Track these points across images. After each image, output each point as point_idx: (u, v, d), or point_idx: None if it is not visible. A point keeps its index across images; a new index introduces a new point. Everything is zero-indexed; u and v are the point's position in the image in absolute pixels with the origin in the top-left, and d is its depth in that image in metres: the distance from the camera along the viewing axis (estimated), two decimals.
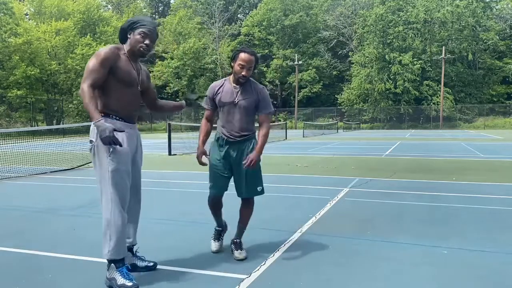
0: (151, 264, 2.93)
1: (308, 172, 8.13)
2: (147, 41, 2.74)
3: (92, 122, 2.56)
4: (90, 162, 9.64)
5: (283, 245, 3.39)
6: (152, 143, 20.20)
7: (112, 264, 2.63)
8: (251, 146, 3.18)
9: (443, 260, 3.08)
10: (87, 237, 3.75)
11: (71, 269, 2.95)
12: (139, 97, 2.95)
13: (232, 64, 3.16)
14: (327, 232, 3.73)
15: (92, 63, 2.62)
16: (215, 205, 3.29)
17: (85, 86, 2.56)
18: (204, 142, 3.33)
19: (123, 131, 2.71)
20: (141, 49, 2.74)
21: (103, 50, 2.66)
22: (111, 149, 2.61)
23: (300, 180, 7.18)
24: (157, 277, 2.71)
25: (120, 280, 2.57)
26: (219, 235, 3.37)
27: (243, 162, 3.07)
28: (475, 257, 3.16)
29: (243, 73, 3.06)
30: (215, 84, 3.28)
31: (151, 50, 2.80)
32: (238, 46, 51.71)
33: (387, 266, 2.97)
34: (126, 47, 2.78)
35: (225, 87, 3.20)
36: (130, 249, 2.89)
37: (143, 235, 3.82)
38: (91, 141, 2.70)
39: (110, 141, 2.51)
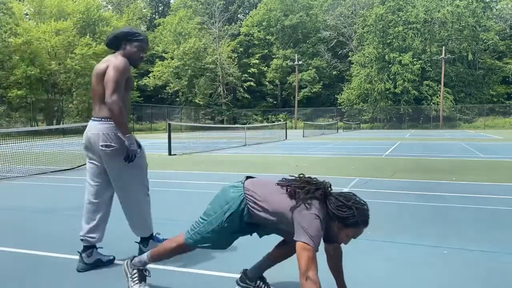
0: (112, 257, 3.06)
1: (308, 172, 8.11)
2: (142, 54, 3.03)
3: (124, 135, 2.86)
4: None
5: None
6: (152, 143, 20.20)
7: (151, 240, 3.13)
8: None
9: (443, 260, 3.08)
10: None
11: (71, 269, 2.95)
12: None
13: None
14: None
15: (117, 75, 2.83)
16: None
17: (117, 97, 2.81)
18: None
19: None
20: (138, 61, 3.01)
21: (123, 62, 2.88)
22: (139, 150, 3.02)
23: None
24: (157, 277, 2.71)
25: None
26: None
27: None
28: (475, 257, 3.16)
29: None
30: None
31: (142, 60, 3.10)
32: (238, 46, 51.92)
33: (387, 266, 2.97)
34: (122, 53, 2.96)
35: None
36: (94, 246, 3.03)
37: None
38: (111, 146, 2.89)
39: (132, 158, 2.91)
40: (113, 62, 2.87)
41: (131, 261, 2.61)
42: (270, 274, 2.85)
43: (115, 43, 2.97)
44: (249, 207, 2.27)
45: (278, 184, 2.32)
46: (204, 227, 2.36)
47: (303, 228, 2.06)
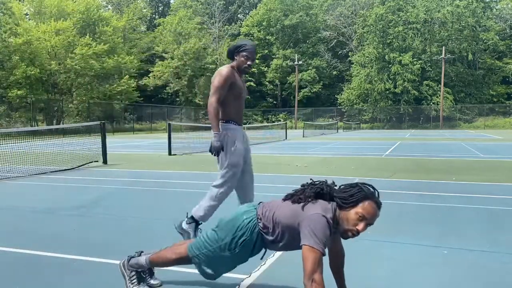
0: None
1: (308, 172, 8.13)
2: (249, 62, 3.44)
3: (213, 131, 3.33)
4: (90, 162, 9.67)
5: None
6: (152, 143, 20.21)
7: (194, 223, 3.40)
8: None
9: (443, 260, 3.08)
10: (87, 237, 3.75)
11: (71, 269, 2.95)
12: (244, 105, 3.64)
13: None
14: None
15: (218, 81, 3.33)
16: None
17: (214, 100, 3.32)
18: None
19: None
20: (246, 68, 3.45)
21: (225, 70, 3.36)
22: (232, 148, 3.38)
23: (300, 180, 7.15)
24: (158, 277, 2.71)
25: (192, 234, 3.36)
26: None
27: None
28: (475, 257, 3.16)
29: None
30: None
31: (252, 67, 3.53)
32: None
33: (387, 266, 2.97)
34: (234, 64, 3.46)
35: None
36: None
37: (143, 235, 3.83)
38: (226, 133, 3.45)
39: (216, 152, 3.34)
40: (219, 70, 3.41)
41: (128, 262, 2.60)
42: (274, 275, 2.85)
43: (230, 55, 3.48)
44: (262, 233, 2.25)
45: (284, 200, 2.30)
46: (213, 251, 2.32)
47: (309, 231, 2.03)
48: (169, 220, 4.38)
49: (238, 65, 3.44)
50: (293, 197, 2.24)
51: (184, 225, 3.44)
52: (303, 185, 2.30)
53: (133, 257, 2.62)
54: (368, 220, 2.10)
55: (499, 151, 13.25)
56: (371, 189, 2.15)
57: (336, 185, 2.26)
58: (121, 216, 4.53)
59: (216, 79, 3.34)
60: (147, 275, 2.62)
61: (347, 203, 2.10)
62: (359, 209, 2.09)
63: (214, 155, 3.38)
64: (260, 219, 2.27)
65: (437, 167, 8.87)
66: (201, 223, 3.48)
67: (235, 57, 3.46)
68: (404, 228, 3.94)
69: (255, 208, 2.33)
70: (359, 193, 2.09)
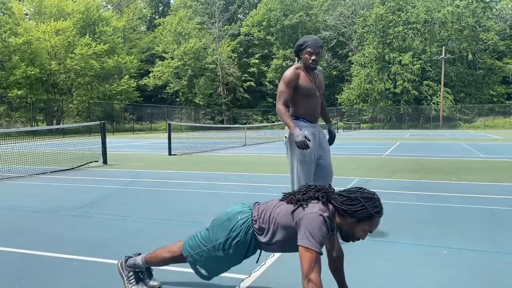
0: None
1: None
2: (313, 57, 3.49)
3: (290, 130, 3.47)
4: (90, 162, 9.67)
5: None
6: (152, 143, 20.21)
7: None
8: None
9: (443, 260, 3.08)
10: (87, 237, 3.75)
11: (71, 269, 2.95)
12: (318, 101, 3.67)
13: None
14: None
15: (281, 86, 3.53)
16: None
17: (279, 106, 3.54)
18: None
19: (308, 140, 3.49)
20: (311, 65, 3.51)
21: (287, 73, 3.52)
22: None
23: None
24: (156, 277, 2.71)
25: None
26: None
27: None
28: (475, 257, 3.16)
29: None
30: None
31: (318, 62, 3.56)
32: (238, 46, 51.93)
33: (387, 266, 2.97)
34: (298, 65, 3.57)
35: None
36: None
37: (142, 235, 3.82)
38: (285, 137, 3.64)
39: (303, 146, 3.39)
40: (284, 74, 3.55)
41: (125, 262, 2.60)
42: (274, 276, 2.86)
43: (297, 55, 3.58)
44: (256, 234, 2.23)
45: (281, 200, 2.28)
46: (207, 251, 2.30)
47: (305, 231, 2.00)
48: (169, 220, 4.38)
49: (304, 63, 3.52)
50: (290, 197, 2.22)
51: None
52: (300, 188, 2.29)
53: (130, 257, 2.62)
54: (371, 231, 2.12)
55: (499, 151, 13.25)
56: (375, 198, 2.08)
57: (333, 190, 2.22)
58: (121, 216, 4.53)
59: (280, 84, 3.55)
60: (145, 275, 2.61)
61: (349, 216, 2.07)
62: (366, 226, 2.07)
63: (304, 149, 3.45)
64: (256, 220, 2.24)
65: (437, 167, 8.86)
66: None
67: (300, 56, 3.54)
68: (404, 228, 3.94)
69: (250, 209, 2.31)
70: (363, 211, 2.04)
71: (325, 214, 2.05)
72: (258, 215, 2.25)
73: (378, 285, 2.67)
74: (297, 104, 3.57)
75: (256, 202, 2.40)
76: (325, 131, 3.88)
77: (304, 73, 3.53)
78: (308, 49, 3.46)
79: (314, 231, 2.00)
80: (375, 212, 2.05)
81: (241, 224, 2.25)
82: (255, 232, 2.24)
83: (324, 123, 4.07)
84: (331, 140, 3.88)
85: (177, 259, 2.45)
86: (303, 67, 3.54)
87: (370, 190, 2.15)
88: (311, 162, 3.54)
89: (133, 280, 2.55)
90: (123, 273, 2.58)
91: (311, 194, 2.16)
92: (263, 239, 2.23)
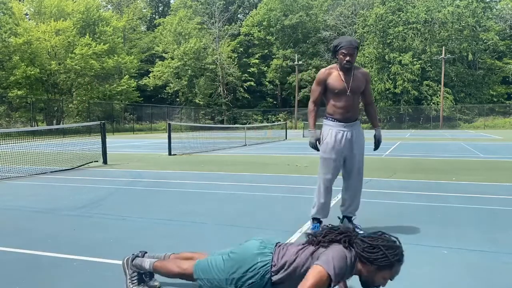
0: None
1: (308, 172, 8.12)
2: (347, 58, 3.60)
3: (308, 130, 3.86)
4: (90, 162, 9.66)
5: None
6: (152, 143, 20.21)
7: (317, 223, 3.77)
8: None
9: (443, 260, 3.08)
10: (87, 237, 3.75)
11: (71, 269, 2.95)
12: (351, 101, 3.75)
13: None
14: None
15: (313, 84, 3.85)
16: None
17: (310, 103, 3.90)
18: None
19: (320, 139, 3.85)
20: (345, 65, 3.63)
21: (319, 72, 3.79)
22: (324, 141, 3.76)
23: (300, 180, 7.17)
24: (156, 277, 2.71)
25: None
26: None
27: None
28: (475, 257, 3.16)
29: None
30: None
31: (353, 62, 3.64)
32: (238, 46, 51.89)
33: None
34: (333, 66, 3.76)
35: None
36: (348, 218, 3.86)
37: (143, 235, 3.82)
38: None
39: (313, 147, 3.84)
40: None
41: (132, 261, 2.61)
42: None
43: (333, 56, 3.72)
44: (272, 279, 2.19)
45: (303, 244, 2.24)
46: (219, 280, 2.27)
47: (327, 257, 1.96)
48: (169, 220, 4.37)
49: (340, 64, 3.67)
50: (313, 239, 2.19)
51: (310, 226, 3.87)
52: (323, 228, 2.25)
53: (137, 256, 2.63)
54: (391, 279, 2.10)
55: (499, 151, 13.25)
56: (396, 246, 2.05)
57: (357, 233, 2.18)
58: (121, 216, 4.53)
59: (314, 83, 3.83)
60: (147, 277, 2.62)
61: (370, 263, 2.05)
62: (387, 274, 2.06)
63: (315, 149, 3.81)
64: (275, 265, 2.19)
65: (437, 167, 8.86)
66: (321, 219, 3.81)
67: (336, 57, 3.69)
68: (404, 228, 3.94)
69: (271, 252, 2.25)
70: (384, 260, 2.02)
71: (349, 255, 2.03)
72: (277, 260, 2.21)
73: None
74: (328, 102, 3.81)
75: (278, 243, 2.33)
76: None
77: (338, 73, 3.68)
78: (343, 50, 3.60)
79: (335, 259, 1.96)
80: (395, 260, 2.04)
81: (260, 266, 2.20)
82: (272, 277, 2.19)
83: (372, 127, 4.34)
84: (376, 145, 4.16)
85: (186, 277, 2.42)
86: (338, 67, 3.70)
87: (392, 236, 2.11)
88: (331, 159, 3.72)
89: (135, 281, 2.56)
90: (127, 271, 2.59)
91: (332, 237, 2.12)
92: (278, 279, 2.19)
